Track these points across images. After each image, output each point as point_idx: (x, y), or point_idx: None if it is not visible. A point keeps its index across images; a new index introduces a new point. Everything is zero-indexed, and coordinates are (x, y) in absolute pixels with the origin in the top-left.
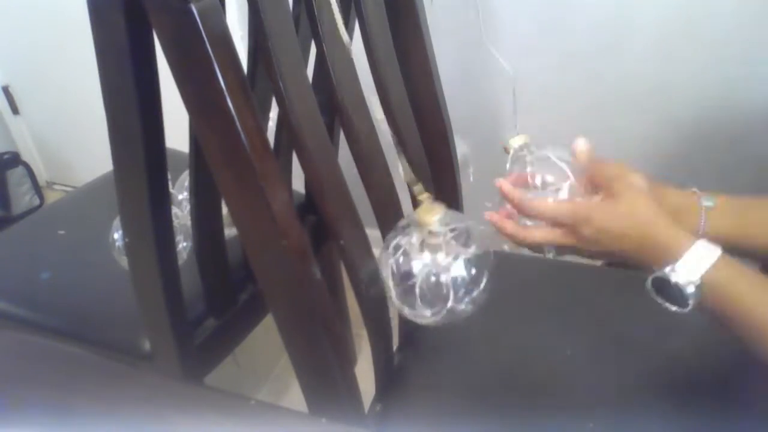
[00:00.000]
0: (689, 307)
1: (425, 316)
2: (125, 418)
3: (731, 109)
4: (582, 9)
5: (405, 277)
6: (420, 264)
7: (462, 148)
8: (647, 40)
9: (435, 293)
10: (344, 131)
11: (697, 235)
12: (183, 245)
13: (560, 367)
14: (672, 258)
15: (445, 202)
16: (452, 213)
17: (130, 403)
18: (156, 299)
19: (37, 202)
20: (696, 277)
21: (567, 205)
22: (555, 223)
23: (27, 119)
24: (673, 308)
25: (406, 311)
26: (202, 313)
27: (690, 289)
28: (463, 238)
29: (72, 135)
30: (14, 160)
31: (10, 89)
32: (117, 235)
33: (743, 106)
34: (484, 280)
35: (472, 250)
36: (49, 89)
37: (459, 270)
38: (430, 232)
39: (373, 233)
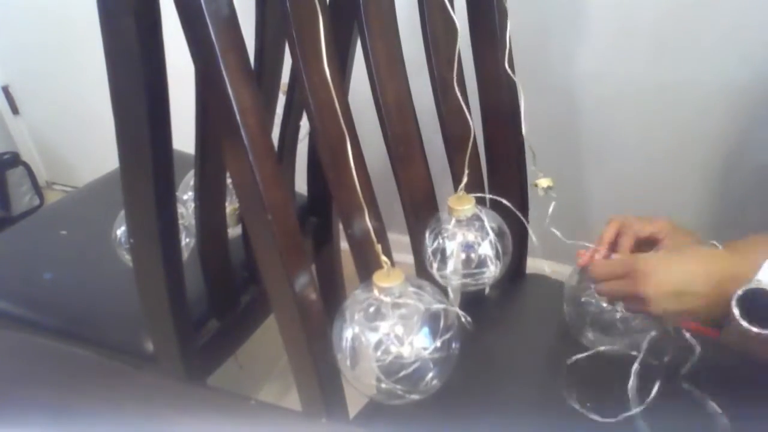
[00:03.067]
0: None
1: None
2: (126, 419)
3: (731, 110)
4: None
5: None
6: (373, 335)
7: None
8: (648, 41)
9: (388, 370)
10: (383, 130)
11: None
12: (186, 242)
13: (557, 368)
14: (746, 276)
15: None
16: (416, 283)
17: (131, 403)
18: (160, 300)
19: (37, 202)
20: None
21: (618, 260)
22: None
23: (27, 119)
24: (761, 331)
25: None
26: (205, 314)
27: None
28: (421, 311)
29: (72, 135)
30: (14, 160)
31: (10, 89)
32: (119, 232)
33: (743, 106)
34: (442, 359)
35: (427, 323)
36: (49, 89)
37: (417, 344)
38: (384, 302)
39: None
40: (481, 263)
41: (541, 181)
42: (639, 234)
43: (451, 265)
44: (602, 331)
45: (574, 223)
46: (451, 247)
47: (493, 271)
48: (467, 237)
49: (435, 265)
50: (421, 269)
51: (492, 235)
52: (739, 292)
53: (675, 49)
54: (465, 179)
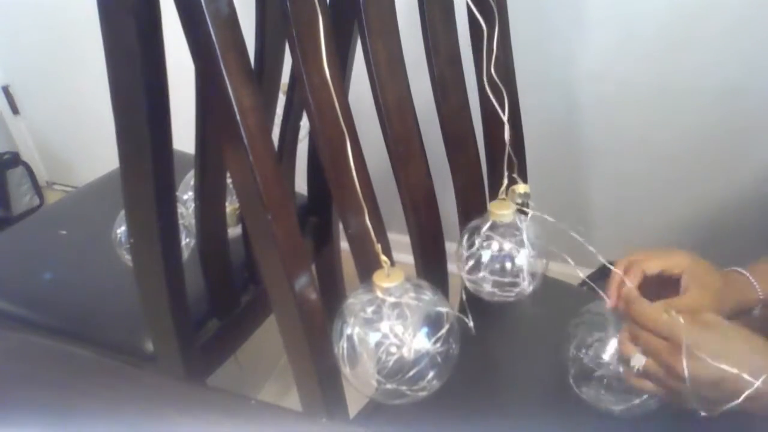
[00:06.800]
0: None
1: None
2: (126, 418)
3: (731, 110)
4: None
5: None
6: (373, 335)
7: None
8: (648, 42)
9: (388, 369)
10: (383, 130)
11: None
12: (186, 241)
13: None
14: None
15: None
16: (416, 283)
17: (132, 403)
18: (160, 300)
19: (37, 202)
20: None
21: (668, 319)
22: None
23: (27, 119)
24: None
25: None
26: (205, 314)
27: None
28: (422, 312)
29: (72, 135)
30: (14, 160)
31: (10, 89)
32: (119, 232)
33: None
34: (443, 360)
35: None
36: (49, 89)
37: (417, 344)
38: (384, 302)
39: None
40: (515, 275)
41: (517, 187)
42: (647, 271)
43: (481, 272)
44: (600, 387)
45: (573, 223)
46: (486, 253)
47: (524, 286)
48: (503, 246)
49: (466, 269)
50: (421, 269)
51: (529, 247)
52: None
53: (675, 50)
54: (505, 181)
